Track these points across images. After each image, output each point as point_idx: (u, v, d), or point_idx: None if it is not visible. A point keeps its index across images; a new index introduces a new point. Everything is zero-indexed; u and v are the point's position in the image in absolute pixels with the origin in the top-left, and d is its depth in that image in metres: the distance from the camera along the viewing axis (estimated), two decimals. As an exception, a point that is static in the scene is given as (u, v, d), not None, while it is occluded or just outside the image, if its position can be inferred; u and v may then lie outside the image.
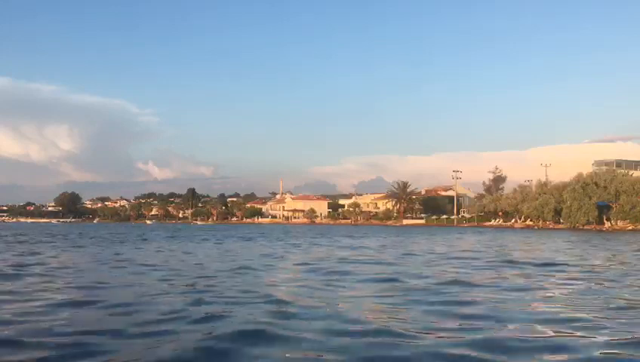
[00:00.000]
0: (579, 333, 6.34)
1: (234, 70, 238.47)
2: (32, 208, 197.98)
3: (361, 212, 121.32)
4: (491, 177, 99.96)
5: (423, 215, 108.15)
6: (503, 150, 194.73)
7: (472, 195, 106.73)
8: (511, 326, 6.76)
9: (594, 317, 7.37)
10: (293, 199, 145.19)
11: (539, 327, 6.67)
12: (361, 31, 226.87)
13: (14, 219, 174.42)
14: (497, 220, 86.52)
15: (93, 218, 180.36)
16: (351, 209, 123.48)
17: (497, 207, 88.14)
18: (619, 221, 65.64)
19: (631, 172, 72.53)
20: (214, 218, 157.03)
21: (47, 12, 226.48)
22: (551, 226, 71.46)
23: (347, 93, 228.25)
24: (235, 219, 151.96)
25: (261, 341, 5.87)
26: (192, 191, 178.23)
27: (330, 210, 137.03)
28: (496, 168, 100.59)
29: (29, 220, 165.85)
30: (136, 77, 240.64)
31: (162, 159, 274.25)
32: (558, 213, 72.46)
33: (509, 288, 10.50)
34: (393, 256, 20.40)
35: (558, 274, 13.18)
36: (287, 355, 5.39)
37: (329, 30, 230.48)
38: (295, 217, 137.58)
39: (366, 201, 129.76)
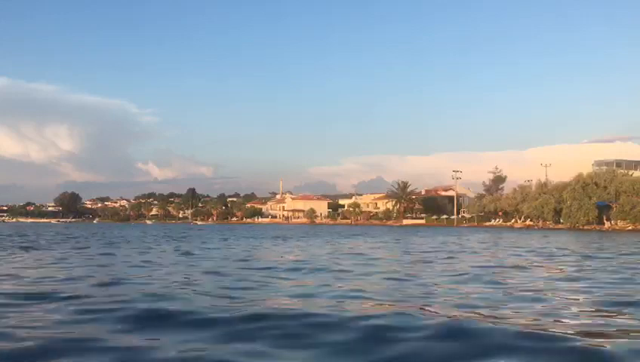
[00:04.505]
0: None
1: (234, 70, 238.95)
2: (32, 208, 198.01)
3: (361, 212, 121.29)
4: (491, 177, 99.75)
5: (423, 215, 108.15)
6: (503, 150, 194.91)
7: (472, 195, 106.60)
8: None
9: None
10: (293, 199, 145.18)
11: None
12: (361, 31, 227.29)
13: (14, 219, 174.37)
14: (497, 220, 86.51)
15: (93, 218, 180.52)
16: (351, 209, 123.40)
17: (497, 206, 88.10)
18: (619, 221, 65.60)
19: (631, 172, 72.46)
20: (214, 218, 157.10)
21: (46, 12, 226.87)
22: (551, 226, 71.43)
23: (347, 93, 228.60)
24: (235, 219, 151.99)
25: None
26: (192, 191, 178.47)
27: (330, 210, 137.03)
28: (496, 168, 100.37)
29: (29, 220, 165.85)
30: (136, 77, 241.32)
31: (162, 159, 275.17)
32: (558, 213, 72.39)
33: None
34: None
35: None
36: None
37: (329, 30, 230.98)
38: (295, 217, 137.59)
39: (366, 201, 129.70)
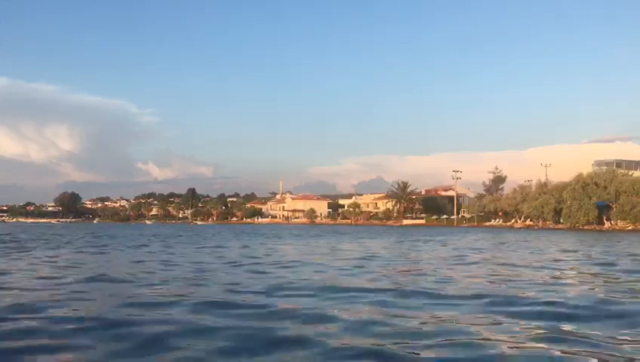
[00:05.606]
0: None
1: (234, 70, 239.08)
2: (32, 208, 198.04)
3: (361, 212, 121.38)
4: (491, 177, 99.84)
5: (423, 215, 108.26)
6: (503, 150, 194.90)
7: (472, 195, 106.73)
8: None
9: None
10: (293, 199, 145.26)
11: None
12: (361, 31, 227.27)
13: (14, 219, 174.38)
14: (497, 220, 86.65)
15: (93, 218, 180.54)
16: (351, 209, 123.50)
17: (497, 206, 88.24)
18: (619, 221, 65.77)
19: (631, 172, 72.60)
20: (214, 218, 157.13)
21: (46, 12, 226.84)
22: (551, 226, 71.57)
23: (347, 93, 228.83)
24: (235, 219, 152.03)
25: None
26: (192, 191, 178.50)
27: (330, 210, 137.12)
28: (496, 168, 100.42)
29: (29, 220, 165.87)
30: (136, 77, 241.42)
31: (162, 159, 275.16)
32: (558, 213, 72.52)
33: None
34: None
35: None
36: None
37: (329, 30, 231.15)
38: (295, 217, 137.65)
39: (366, 201, 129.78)
